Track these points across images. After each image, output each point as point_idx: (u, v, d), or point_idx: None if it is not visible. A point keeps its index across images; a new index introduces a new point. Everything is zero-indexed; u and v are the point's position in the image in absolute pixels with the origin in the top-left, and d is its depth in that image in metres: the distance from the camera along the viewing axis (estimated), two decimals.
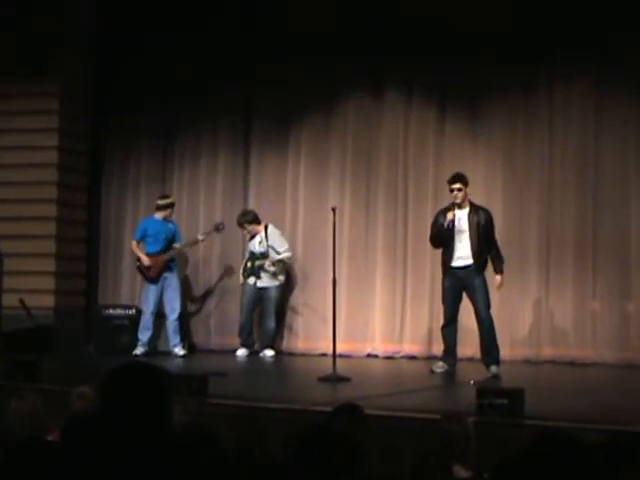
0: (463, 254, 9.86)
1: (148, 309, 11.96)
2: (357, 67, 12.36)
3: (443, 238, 9.94)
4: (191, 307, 13.00)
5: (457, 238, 9.87)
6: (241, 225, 12.19)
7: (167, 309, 11.98)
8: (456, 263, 9.90)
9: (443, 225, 9.88)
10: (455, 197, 9.89)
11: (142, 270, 12.07)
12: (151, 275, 11.95)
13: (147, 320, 11.93)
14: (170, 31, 12.70)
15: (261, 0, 12.48)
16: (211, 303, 13.02)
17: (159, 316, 12.03)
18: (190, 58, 12.79)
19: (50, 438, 4.60)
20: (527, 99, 11.88)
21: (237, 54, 12.62)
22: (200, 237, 12.29)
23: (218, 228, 12.30)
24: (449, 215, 9.84)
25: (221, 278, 12.98)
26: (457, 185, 9.89)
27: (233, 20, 12.63)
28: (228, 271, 12.91)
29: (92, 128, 13.28)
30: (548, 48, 11.65)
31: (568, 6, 11.37)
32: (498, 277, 9.99)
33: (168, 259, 11.97)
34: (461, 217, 9.89)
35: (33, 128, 12.44)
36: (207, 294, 13.05)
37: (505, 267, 10.12)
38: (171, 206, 12.18)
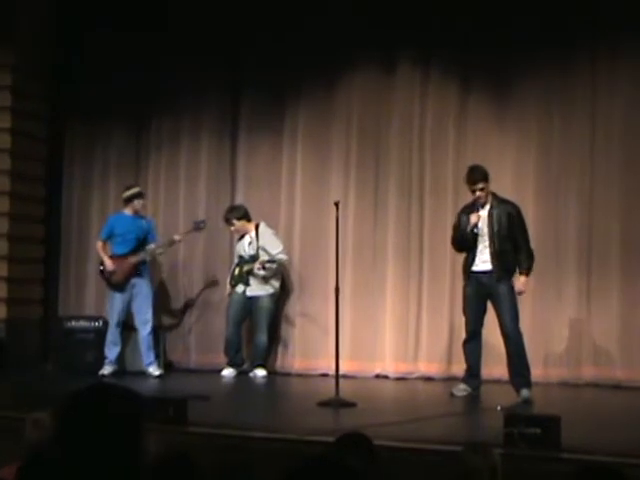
0: (485, 257, 9.89)
1: (113, 321, 11.98)
2: (365, 35, 12.36)
3: (466, 242, 9.97)
4: (167, 319, 13.02)
5: (479, 239, 9.91)
6: (228, 221, 12.20)
7: (137, 321, 11.98)
8: (478, 267, 9.93)
9: (466, 228, 9.90)
10: (478, 198, 9.92)
11: (105, 275, 12.06)
12: (116, 280, 11.93)
13: (113, 333, 11.94)
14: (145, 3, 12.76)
15: None
16: (192, 314, 13.04)
17: (128, 329, 12.04)
18: (169, 27, 12.79)
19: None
20: (565, 77, 11.85)
21: (223, 21, 12.62)
22: (177, 237, 12.24)
23: (199, 226, 12.28)
24: (473, 218, 9.86)
25: (204, 285, 13.01)
26: (480, 185, 9.91)
27: None
28: (212, 277, 12.93)
29: (52, 108, 13.30)
30: (591, 21, 11.68)
31: None
32: (522, 278, 9.91)
33: (137, 262, 11.93)
34: (483, 216, 9.93)
35: None
36: (187, 303, 13.07)
37: (538, 272, 10.12)
38: (138, 196, 12.11)
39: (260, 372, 12.00)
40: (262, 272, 12.04)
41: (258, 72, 12.81)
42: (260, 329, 12.14)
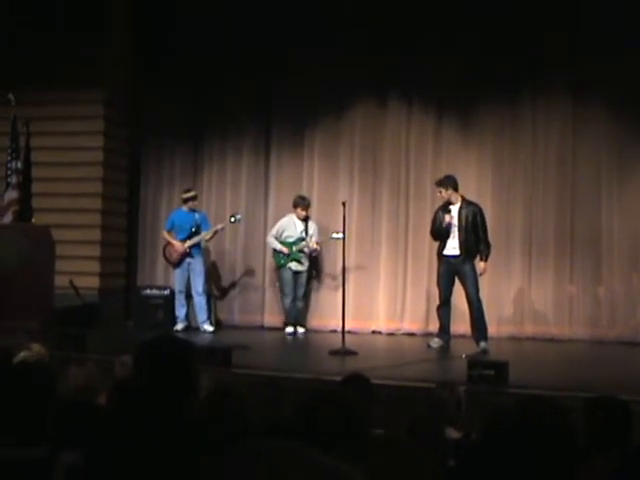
0: (454, 244, 9.87)
1: (177, 289, 12.00)
2: (365, 81, 12.33)
3: (442, 235, 9.95)
4: (218, 289, 12.98)
5: (450, 231, 9.88)
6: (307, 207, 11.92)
7: (193, 291, 11.95)
8: (448, 252, 9.91)
9: (442, 224, 9.88)
10: (443, 199, 9.93)
11: (165, 255, 12.10)
12: (173, 259, 11.96)
13: (179, 299, 11.96)
14: (201, 60, 12.73)
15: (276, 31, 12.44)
16: (235, 286, 13.00)
17: (188, 296, 12.05)
18: (216, 76, 12.80)
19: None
20: (513, 111, 11.90)
21: (256, 70, 12.59)
22: (219, 227, 12.13)
23: (236, 219, 12.14)
24: (447, 217, 9.83)
25: (244, 265, 12.96)
26: (439, 189, 10.01)
27: (254, 43, 12.57)
28: (249, 259, 12.86)
29: (132, 131, 13.30)
30: (532, 66, 11.68)
31: (549, 32, 11.45)
32: (482, 264, 9.91)
33: (189, 246, 11.90)
34: (453, 213, 9.91)
35: (82, 131, 12.45)
36: (232, 278, 13.03)
37: (493, 255, 10.11)
38: (193, 198, 12.07)
39: (301, 329, 11.87)
40: (307, 250, 11.85)
41: (285, 108, 12.76)
42: (301, 298, 11.99)
